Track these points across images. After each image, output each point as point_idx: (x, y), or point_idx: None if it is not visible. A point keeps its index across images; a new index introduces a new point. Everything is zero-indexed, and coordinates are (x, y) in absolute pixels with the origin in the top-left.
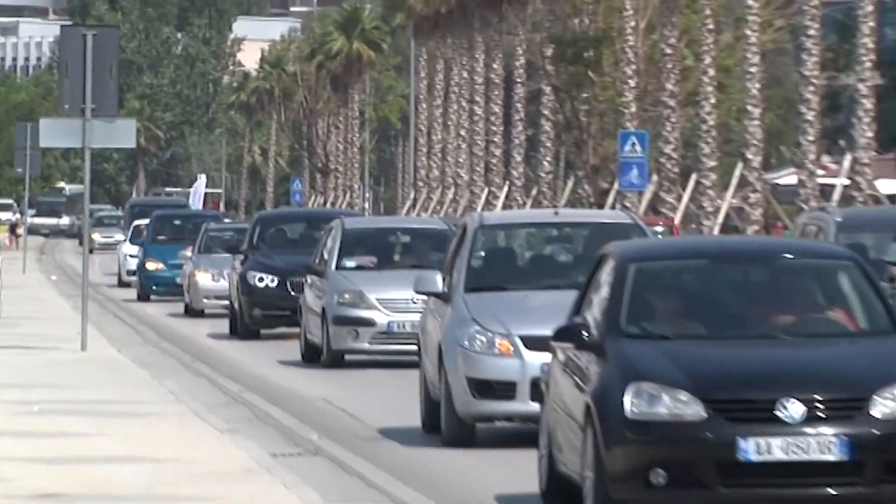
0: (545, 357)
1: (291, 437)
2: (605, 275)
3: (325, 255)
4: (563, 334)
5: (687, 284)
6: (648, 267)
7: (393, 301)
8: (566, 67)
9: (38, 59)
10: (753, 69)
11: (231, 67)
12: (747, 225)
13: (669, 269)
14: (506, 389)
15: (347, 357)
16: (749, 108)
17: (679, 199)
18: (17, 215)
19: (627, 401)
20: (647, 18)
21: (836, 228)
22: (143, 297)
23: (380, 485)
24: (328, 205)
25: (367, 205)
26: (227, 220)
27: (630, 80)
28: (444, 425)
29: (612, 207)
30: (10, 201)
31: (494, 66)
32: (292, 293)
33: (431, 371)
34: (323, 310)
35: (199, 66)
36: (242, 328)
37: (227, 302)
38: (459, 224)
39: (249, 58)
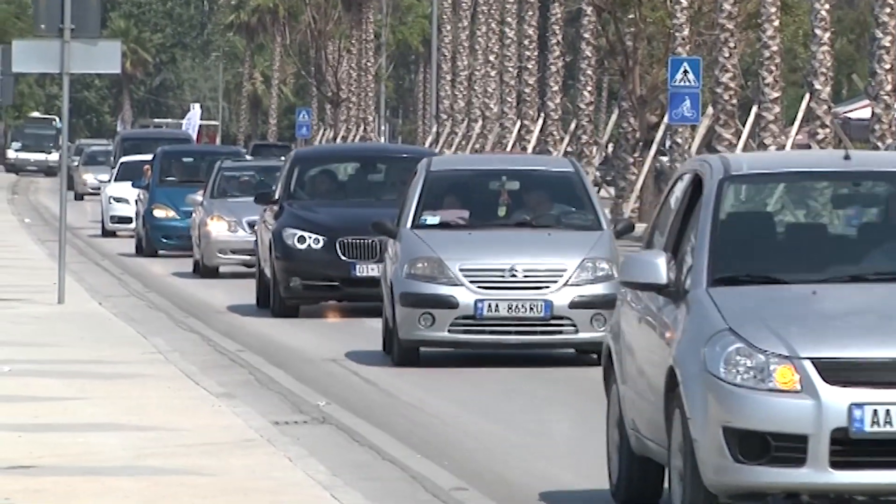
0: (859, 395)
1: (296, 402)
2: None
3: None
4: None
5: None
6: None
7: (483, 272)
8: None
9: None
10: None
11: None
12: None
13: None
14: (790, 448)
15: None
16: (817, 31)
17: (738, 134)
18: None
19: None
20: None
21: None
22: (150, 251)
23: (397, 458)
24: (339, 139)
25: (382, 139)
26: (248, 158)
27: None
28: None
29: (662, 144)
30: None
31: None
32: (343, 258)
33: (639, 409)
34: (390, 283)
35: None
36: (277, 303)
37: (247, 257)
38: (682, 172)
39: None
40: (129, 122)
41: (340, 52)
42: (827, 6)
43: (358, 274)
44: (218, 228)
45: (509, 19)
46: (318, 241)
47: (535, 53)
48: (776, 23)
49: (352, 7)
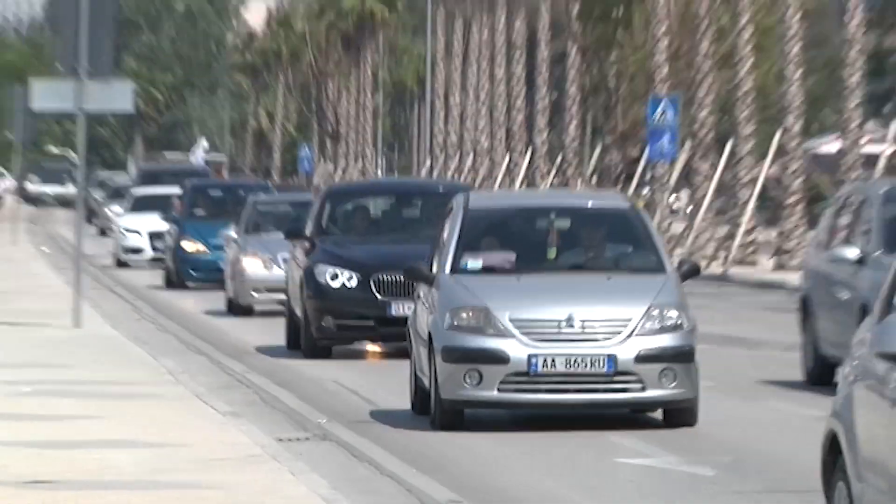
0: None
1: (299, 421)
2: None
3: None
4: None
5: None
6: None
7: (537, 323)
8: (594, 26)
9: (30, 17)
10: (793, 29)
11: (235, 26)
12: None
13: None
14: None
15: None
16: (788, 70)
17: (713, 167)
18: (4, 183)
19: None
20: None
21: (882, 200)
22: (178, 283)
23: (395, 472)
24: (339, 174)
25: (380, 172)
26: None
27: (662, 41)
28: None
29: (642, 177)
30: None
31: (517, 24)
32: (378, 296)
33: None
34: (429, 335)
35: (202, 24)
36: (308, 342)
37: (282, 296)
38: None
39: (255, 16)
40: (141, 157)
41: (340, 90)
42: (798, 46)
43: (394, 313)
44: (253, 266)
45: (499, 59)
46: (352, 279)
47: (523, 91)
48: (750, 62)
49: (350, 48)
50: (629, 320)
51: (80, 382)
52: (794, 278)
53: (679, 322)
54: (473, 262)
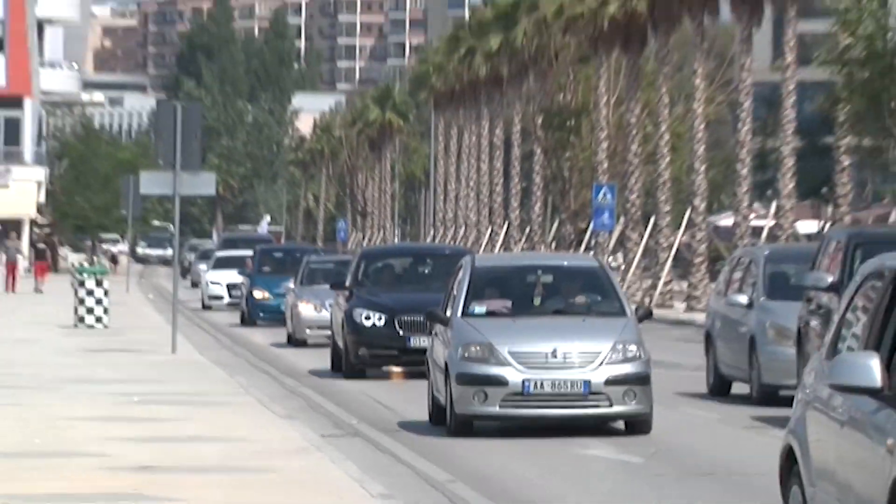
0: None
1: (336, 422)
2: None
3: (452, 299)
4: None
5: None
6: None
7: (529, 355)
8: (552, 133)
9: (139, 125)
10: (699, 135)
11: (290, 132)
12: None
13: None
14: None
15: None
16: (696, 165)
17: (641, 236)
18: (118, 247)
19: None
20: (616, 95)
21: (764, 260)
22: (250, 322)
23: (407, 461)
24: (366, 240)
25: (396, 239)
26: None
27: (602, 143)
28: None
29: (588, 243)
30: (116, 236)
31: (496, 131)
32: (400, 332)
33: None
34: (446, 364)
35: (266, 130)
36: (348, 367)
37: (328, 332)
38: (873, 271)
39: (305, 125)
40: (221, 228)
41: (367, 179)
42: (703, 147)
43: (412, 345)
44: (306, 310)
45: (483, 157)
46: (381, 319)
47: (501, 180)
48: (668, 159)
49: (375, 149)
50: (599, 353)
51: (176, 394)
52: (700, 318)
53: (638, 354)
54: (479, 308)
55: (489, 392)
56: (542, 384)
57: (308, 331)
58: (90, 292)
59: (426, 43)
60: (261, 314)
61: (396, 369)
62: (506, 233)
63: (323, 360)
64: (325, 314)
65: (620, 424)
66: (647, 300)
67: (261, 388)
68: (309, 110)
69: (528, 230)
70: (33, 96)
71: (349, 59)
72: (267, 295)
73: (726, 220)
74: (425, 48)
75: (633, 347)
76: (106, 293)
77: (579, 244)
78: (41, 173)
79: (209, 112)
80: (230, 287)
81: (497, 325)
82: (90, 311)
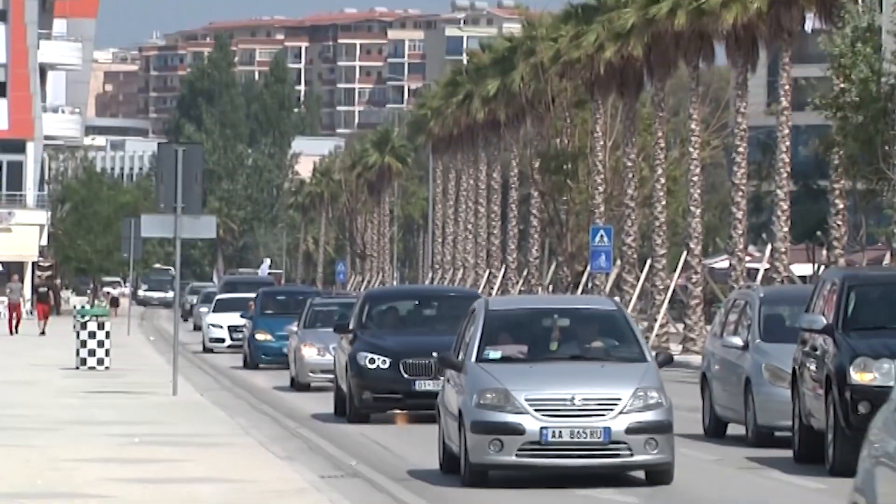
0: None
1: (336, 463)
2: None
3: (465, 344)
4: None
5: None
6: None
7: (547, 402)
8: (549, 176)
9: (140, 168)
10: (695, 178)
11: (290, 176)
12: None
13: None
14: None
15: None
16: (691, 208)
17: (637, 278)
18: (120, 289)
19: None
20: (613, 139)
21: (759, 303)
22: (252, 365)
23: (403, 500)
24: (365, 283)
25: (394, 282)
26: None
27: (599, 187)
28: None
29: (585, 286)
30: (117, 279)
31: (494, 175)
32: (405, 375)
33: None
34: (460, 412)
35: (266, 174)
36: (352, 411)
37: (332, 375)
38: None
39: (304, 168)
40: (222, 271)
41: (366, 222)
42: (699, 191)
43: (417, 388)
44: (310, 353)
45: (481, 200)
46: (385, 362)
47: (499, 223)
48: (664, 202)
49: (374, 192)
50: (620, 399)
51: (176, 435)
52: (696, 359)
53: (660, 401)
54: (494, 353)
55: (505, 441)
56: (560, 432)
57: (311, 374)
58: (92, 334)
59: (424, 87)
60: (263, 356)
61: (400, 413)
62: (503, 275)
63: (325, 403)
64: (329, 358)
65: (640, 474)
66: None
67: (261, 428)
68: (308, 154)
69: (525, 272)
70: (36, 140)
71: (348, 104)
72: (269, 337)
73: (722, 263)
74: (423, 92)
75: (654, 394)
76: (108, 335)
77: (576, 286)
78: (43, 216)
79: (210, 156)
80: (231, 329)
81: (513, 370)
82: (92, 353)
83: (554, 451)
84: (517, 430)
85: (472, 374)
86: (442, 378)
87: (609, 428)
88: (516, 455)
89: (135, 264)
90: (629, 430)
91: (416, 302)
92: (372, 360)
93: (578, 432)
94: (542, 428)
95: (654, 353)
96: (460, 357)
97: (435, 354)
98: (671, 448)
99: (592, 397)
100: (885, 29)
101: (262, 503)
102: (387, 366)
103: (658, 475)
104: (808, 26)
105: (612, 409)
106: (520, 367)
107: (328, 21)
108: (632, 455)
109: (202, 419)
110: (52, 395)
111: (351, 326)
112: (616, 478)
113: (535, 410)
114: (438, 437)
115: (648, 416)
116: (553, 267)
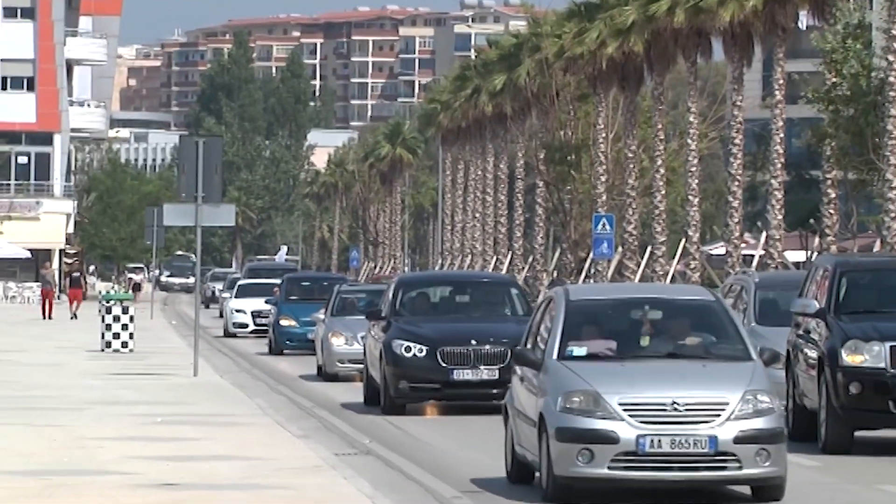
0: None
1: (350, 441)
2: None
3: (541, 338)
4: None
5: None
6: None
7: (644, 406)
8: (554, 167)
9: (163, 159)
10: (693, 169)
11: (306, 167)
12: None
13: None
14: None
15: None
16: (690, 197)
17: (638, 265)
18: (141, 275)
19: None
20: (614, 131)
21: (755, 288)
22: (277, 350)
23: (416, 477)
24: (377, 269)
25: (406, 269)
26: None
27: (601, 177)
28: None
29: (588, 272)
30: (140, 265)
31: (501, 166)
32: (443, 364)
33: None
34: (541, 416)
35: (283, 165)
36: (387, 401)
37: (361, 365)
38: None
39: (320, 159)
40: (241, 258)
41: (378, 211)
42: (696, 181)
43: (455, 378)
44: (338, 342)
45: (489, 190)
46: (422, 351)
47: (506, 212)
48: (663, 192)
49: (386, 182)
50: (727, 404)
51: (197, 415)
52: None
53: (771, 406)
54: (579, 349)
55: (596, 450)
56: (659, 441)
57: (339, 364)
58: (116, 318)
59: (434, 82)
60: (287, 342)
61: (432, 412)
62: (510, 261)
63: (355, 393)
64: (358, 347)
65: (744, 489)
66: None
67: (278, 408)
68: (323, 146)
69: (531, 259)
70: (63, 133)
71: (361, 98)
72: (293, 322)
73: (719, 250)
74: (433, 87)
75: (765, 398)
76: (132, 319)
77: (580, 273)
78: (70, 206)
79: (229, 148)
80: (255, 314)
81: (602, 370)
82: (116, 336)
83: (652, 463)
84: (610, 439)
85: (555, 373)
86: (514, 375)
87: (716, 437)
88: (609, 467)
89: (157, 251)
90: (738, 440)
91: (451, 288)
92: (408, 349)
93: (680, 441)
94: (638, 436)
95: (759, 350)
96: (536, 353)
97: (473, 342)
98: (784, 460)
99: (696, 401)
100: (876, 26)
101: (279, 479)
102: (423, 354)
103: (767, 490)
104: (802, 23)
105: (718, 416)
106: (609, 366)
107: (342, 19)
108: (741, 468)
109: (221, 400)
110: (78, 377)
111: (384, 313)
112: (715, 493)
113: (630, 416)
114: (505, 442)
115: (759, 424)
116: (557, 254)
